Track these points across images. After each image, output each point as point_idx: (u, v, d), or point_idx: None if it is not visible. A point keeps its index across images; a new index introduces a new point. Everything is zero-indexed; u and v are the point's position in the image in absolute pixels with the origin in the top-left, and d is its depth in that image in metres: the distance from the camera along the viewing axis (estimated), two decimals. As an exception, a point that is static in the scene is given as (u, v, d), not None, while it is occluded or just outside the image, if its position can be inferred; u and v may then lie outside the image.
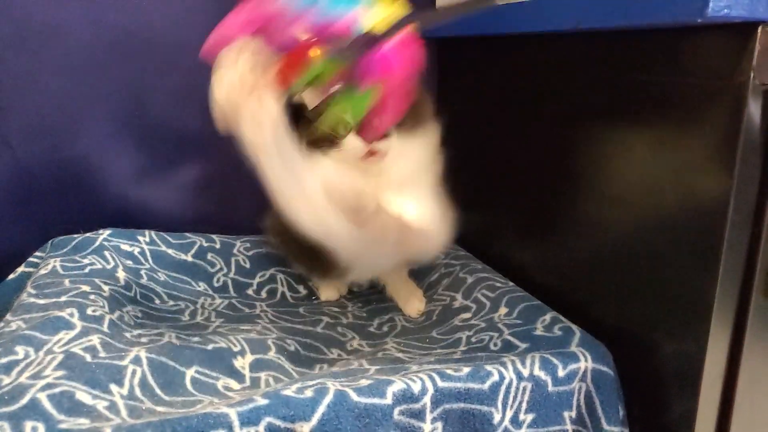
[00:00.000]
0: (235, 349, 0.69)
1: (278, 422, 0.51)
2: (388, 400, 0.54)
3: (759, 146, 0.52)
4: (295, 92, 0.55)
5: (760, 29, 0.49)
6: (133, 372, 0.59)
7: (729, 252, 0.53)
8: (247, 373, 0.66)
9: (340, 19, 0.49)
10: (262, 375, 0.66)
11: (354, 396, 0.54)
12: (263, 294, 0.91)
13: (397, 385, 0.55)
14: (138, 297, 0.80)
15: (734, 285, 0.55)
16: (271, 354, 0.70)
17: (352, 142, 0.64)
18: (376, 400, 0.54)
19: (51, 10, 0.87)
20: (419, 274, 0.93)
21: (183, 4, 0.92)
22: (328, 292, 0.91)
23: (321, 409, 0.52)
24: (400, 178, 0.69)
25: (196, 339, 0.69)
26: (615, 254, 0.67)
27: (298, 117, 0.63)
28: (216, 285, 0.90)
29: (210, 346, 0.68)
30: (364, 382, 0.56)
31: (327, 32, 0.49)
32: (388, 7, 0.52)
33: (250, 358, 0.68)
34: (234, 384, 0.64)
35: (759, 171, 0.53)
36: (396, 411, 0.55)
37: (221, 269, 0.92)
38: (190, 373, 0.63)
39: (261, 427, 0.50)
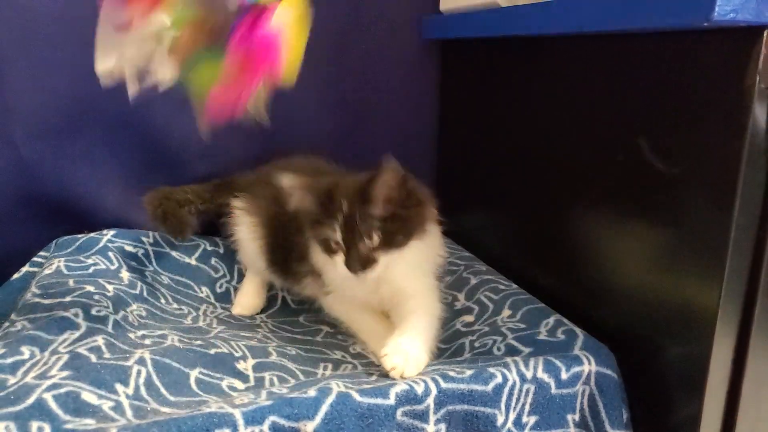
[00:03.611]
0: (237, 355, 0.69)
1: (282, 421, 0.51)
2: (391, 400, 0.55)
3: (764, 149, 0.52)
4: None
5: (766, 33, 0.49)
6: (138, 372, 0.59)
7: (734, 254, 0.53)
8: (251, 374, 0.66)
9: None
10: (266, 375, 0.66)
11: (357, 396, 0.54)
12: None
13: (400, 386, 0.55)
14: (145, 294, 0.80)
15: (739, 287, 0.55)
16: (273, 358, 0.70)
17: (341, 269, 0.69)
18: (379, 401, 0.54)
19: (56, 10, 0.87)
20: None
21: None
22: (242, 307, 0.87)
23: (324, 408, 0.52)
24: (399, 282, 0.73)
25: (198, 343, 0.69)
26: (619, 256, 0.67)
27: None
28: (218, 291, 0.91)
29: (212, 351, 0.68)
30: (367, 384, 0.56)
31: None
32: None
33: (252, 361, 0.69)
34: (239, 384, 0.64)
35: (764, 174, 0.53)
36: (399, 412, 0.55)
37: (224, 276, 0.93)
38: (194, 374, 0.63)
39: (265, 426, 0.50)
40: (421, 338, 0.64)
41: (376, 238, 0.69)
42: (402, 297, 0.73)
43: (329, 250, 0.71)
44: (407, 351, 0.61)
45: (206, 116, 0.50)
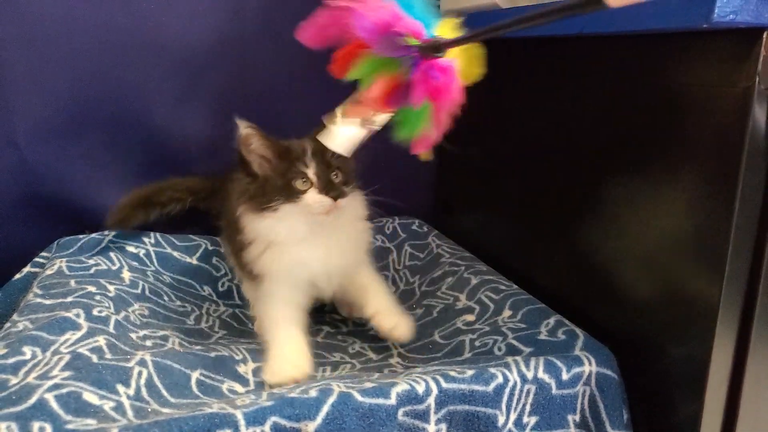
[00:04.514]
0: (237, 358, 0.69)
1: (284, 422, 0.51)
2: (392, 400, 0.55)
3: (764, 150, 0.52)
4: (350, 78, 0.57)
5: (765, 35, 0.49)
6: (140, 373, 0.59)
7: (734, 255, 0.54)
8: (251, 377, 0.66)
9: (415, 24, 0.50)
10: (266, 379, 0.67)
11: (358, 397, 0.54)
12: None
13: (401, 386, 0.55)
14: (147, 292, 0.80)
15: (740, 288, 0.55)
16: None
17: (318, 199, 0.70)
18: (380, 401, 0.54)
19: (59, 12, 0.87)
20: (422, 270, 0.94)
21: (189, 7, 0.93)
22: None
23: (325, 409, 0.52)
24: (346, 236, 0.76)
25: (198, 347, 0.70)
26: (619, 257, 0.68)
27: (248, 171, 0.73)
28: (221, 290, 0.91)
29: (213, 354, 0.68)
30: (368, 384, 0.56)
31: (398, 30, 0.50)
32: (452, 28, 0.54)
33: (252, 365, 0.69)
34: (239, 387, 0.64)
35: (764, 175, 0.53)
36: (400, 412, 0.55)
37: (225, 274, 0.93)
38: (195, 375, 0.63)
39: (267, 427, 0.50)
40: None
41: (339, 175, 0.73)
42: (352, 269, 0.77)
43: (296, 192, 0.70)
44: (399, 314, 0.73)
45: (416, 148, 0.56)
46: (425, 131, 0.54)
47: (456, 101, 0.52)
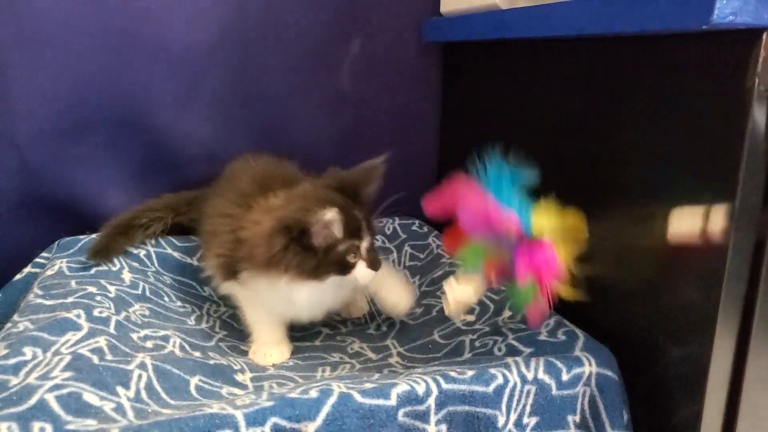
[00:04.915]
0: (236, 368, 0.69)
1: (284, 422, 0.51)
2: (393, 401, 0.55)
3: (763, 151, 0.52)
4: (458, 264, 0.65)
5: (764, 36, 0.50)
6: (139, 376, 0.59)
7: (734, 255, 0.54)
8: (249, 383, 0.67)
9: (511, 216, 0.58)
10: (265, 383, 0.67)
11: (358, 397, 0.54)
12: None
13: (402, 387, 0.56)
14: (147, 293, 0.80)
15: (739, 288, 0.55)
16: (271, 371, 0.71)
17: (367, 274, 0.70)
18: (380, 402, 0.54)
19: (59, 14, 0.87)
20: (422, 270, 0.94)
21: (190, 9, 0.93)
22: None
23: (326, 409, 0.53)
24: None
25: (197, 354, 0.70)
26: (619, 257, 0.68)
27: (305, 244, 0.67)
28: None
29: (212, 362, 0.68)
30: (368, 385, 0.56)
31: (499, 223, 0.58)
32: (549, 216, 0.61)
33: (250, 374, 0.69)
34: (238, 392, 0.64)
35: (763, 175, 0.53)
36: (400, 412, 0.55)
37: None
38: (194, 381, 0.63)
39: (267, 427, 0.51)
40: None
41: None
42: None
43: (348, 266, 0.69)
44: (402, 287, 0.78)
45: (530, 318, 0.64)
46: (535, 303, 0.61)
47: (558, 274, 0.59)
